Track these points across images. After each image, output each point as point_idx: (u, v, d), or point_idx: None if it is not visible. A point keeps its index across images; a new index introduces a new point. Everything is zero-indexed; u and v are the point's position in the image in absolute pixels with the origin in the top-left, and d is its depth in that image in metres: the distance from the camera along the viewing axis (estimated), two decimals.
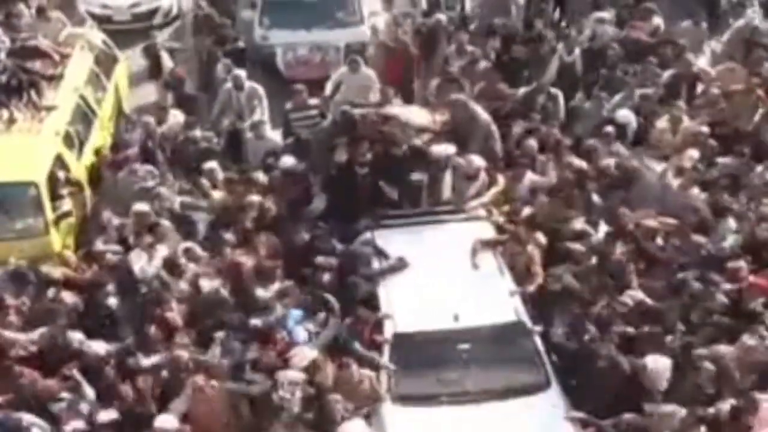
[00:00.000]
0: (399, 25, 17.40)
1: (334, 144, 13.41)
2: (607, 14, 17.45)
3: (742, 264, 11.56)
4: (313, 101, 15.46)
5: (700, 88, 15.55)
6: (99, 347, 10.87)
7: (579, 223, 12.82)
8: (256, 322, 11.19)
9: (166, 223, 12.85)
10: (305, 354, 10.59)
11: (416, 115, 13.85)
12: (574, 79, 15.89)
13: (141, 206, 12.99)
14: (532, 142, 14.11)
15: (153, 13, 20.08)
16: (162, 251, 12.32)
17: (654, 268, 12.22)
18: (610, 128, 14.27)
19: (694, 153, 13.63)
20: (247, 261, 12.05)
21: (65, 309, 11.48)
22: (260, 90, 15.88)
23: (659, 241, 12.50)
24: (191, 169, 14.22)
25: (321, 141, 13.78)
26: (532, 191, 13.39)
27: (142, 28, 19.33)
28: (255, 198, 13.14)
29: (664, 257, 12.26)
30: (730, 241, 12.13)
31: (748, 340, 10.64)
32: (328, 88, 15.95)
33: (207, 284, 11.79)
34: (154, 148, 14.36)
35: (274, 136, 15.13)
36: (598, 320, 11.18)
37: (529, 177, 13.56)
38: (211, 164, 13.90)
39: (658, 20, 17.20)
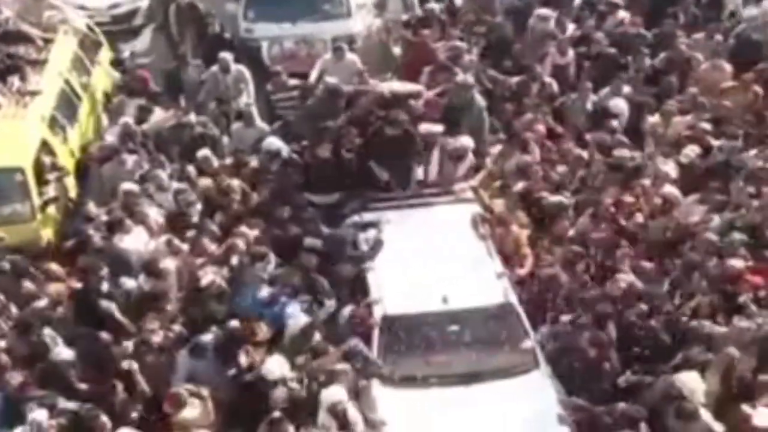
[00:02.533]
0: (390, 33, 17.48)
1: (322, 127, 13.38)
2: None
3: (740, 264, 11.51)
4: (293, 82, 15.43)
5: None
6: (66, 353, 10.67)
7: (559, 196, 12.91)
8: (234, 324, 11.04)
9: (147, 208, 12.83)
10: (275, 369, 10.41)
11: (400, 85, 13.97)
12: (567, 82, 15.80)
13: (129, 185, 13.00)
14: (523, 122, 14.24)
15: (132, 14, 19.80)
16: (142, 234, 12.38)
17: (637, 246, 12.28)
18: (615, 123, 14.29)
19: (694, 148, 13.62)
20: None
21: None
22: (247, 73, 15.81)
23: (639, 218, 12.60)
24: (181, 156, 14.16)
25: (307, 120, 13.79)
26: (520, 170, 13.40)
27: (121, 30, 19.22)
28: (235, 182, 13.10)
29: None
30: (734, 237, 12.04)
31: (739, 322, 10.71)
32: (313, 75, 15.79)
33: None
34: (135, 147, 14.18)
35: (263, 124, 14.96)
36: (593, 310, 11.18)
37: (517, 156, 13.60)
38: (205, 152, 13.82)
39: (623, 14, 17.13)
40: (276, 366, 10.38)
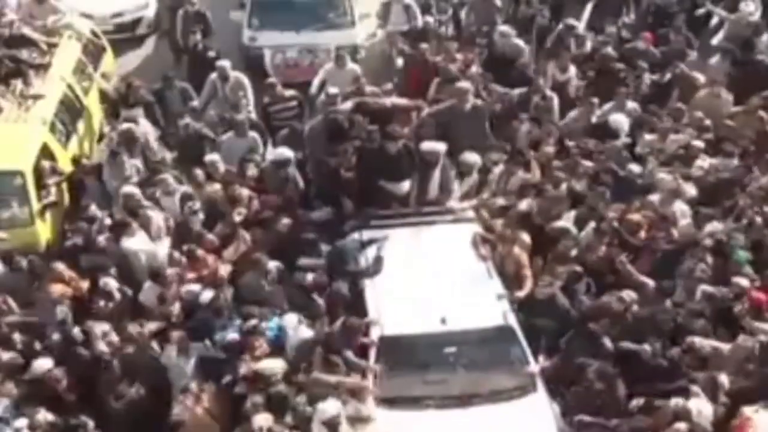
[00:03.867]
0: (393, 45, 17.48)
1: (331, 150, 13.45)
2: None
3: (745, 282, 11.54)
4: (290, 93, 15.38)
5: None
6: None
7: (563, 221, 12.83)
8: (233, 336, 11.10)
9: (150, 212, 12.82)
10: (272, 367, 10.47)
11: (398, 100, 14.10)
12: (566, 99, 15.70)
13: (129, 188, 13.04)
14: (524, 136, 14.33)
15: (137, 23, 19.72)
16: (143, 238, 12.44)
17: (637, 262, 12.27)
18: (619, 143, 14.27)
19: (703, 164, 13.67)
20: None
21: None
22: (245, 81, 15.74)
23: (642, 235, 12.57)
24: (188, 160, 14.13)
25: (314, 141, 13.86)
26: (522, 188, 13.37)
27: (125, 38, 19.18)
28: (245, 191, 13.08)
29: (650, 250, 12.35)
30: (739, 256, 12.06)
31: (744, 341, 10.76)
32: (314, 85, 15.79)
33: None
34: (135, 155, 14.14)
35: (254, 134, 14.64)
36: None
37: (520, 175, 13.57)
38: (213, 156, 13.77)
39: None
40: (275, 365, 10.45)
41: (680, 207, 12.85)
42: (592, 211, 12.90)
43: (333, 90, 14.51)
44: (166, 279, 11.90)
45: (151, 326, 11.33)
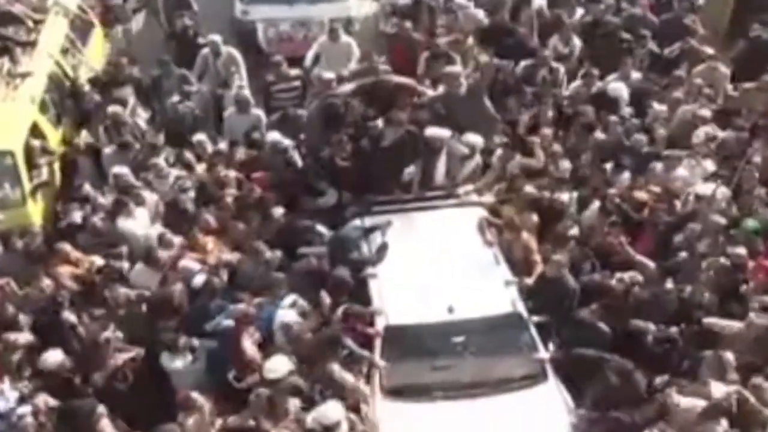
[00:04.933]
0: (386, 17, 17.20)
1: (328, 138, 13.08)
2: None
3: (742, 251, 11.42)
4: (295, 72, 15.04)
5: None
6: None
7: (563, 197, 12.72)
8: (227, 322, 10.70)
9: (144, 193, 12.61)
10: (278, 367, 10.00)
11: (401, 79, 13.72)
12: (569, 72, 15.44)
13: (119, 168, 12.84)
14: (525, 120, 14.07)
15: None
16: (143, 214, 12.30)
17: (639, 241, 12.19)
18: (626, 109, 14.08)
19: (707, 130, 13.62)
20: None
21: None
22: (238, 56, 15.43)
23: (646, 213, 12.50)
24: (178, 141, 13.87)
25: (310, 128, 13.50)
26: (524, 172, 13.16)
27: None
28: (232, 173, 12.81)
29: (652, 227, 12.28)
30: (749, 223, 11.95)
31: (756, 318, 10.63)
32: (308, 59, 15.45)
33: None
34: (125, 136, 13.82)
35: (257, 111, 14.50)
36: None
37: (518, 159, 13.35)
38: (201, 136, 13.53)
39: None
40: (278, 365, 10.03)
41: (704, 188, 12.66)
42: (595, 191, 12.74)
43: (328, 75, 14.04)
44: (158, 262, 11.61)
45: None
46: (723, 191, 12.44)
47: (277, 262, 11.65)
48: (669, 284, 11.30)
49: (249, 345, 10.43)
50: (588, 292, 11.22)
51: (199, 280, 11.26)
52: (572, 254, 11.77)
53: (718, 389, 9.78)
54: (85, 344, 10.61)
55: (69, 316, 10.79)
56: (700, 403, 9.62)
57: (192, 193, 12.62)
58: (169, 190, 12.77)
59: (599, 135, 13.75)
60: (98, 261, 11.70)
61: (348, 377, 10.20)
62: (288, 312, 10.83)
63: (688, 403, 9.69)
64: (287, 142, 13.31)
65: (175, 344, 10.42)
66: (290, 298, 10.99)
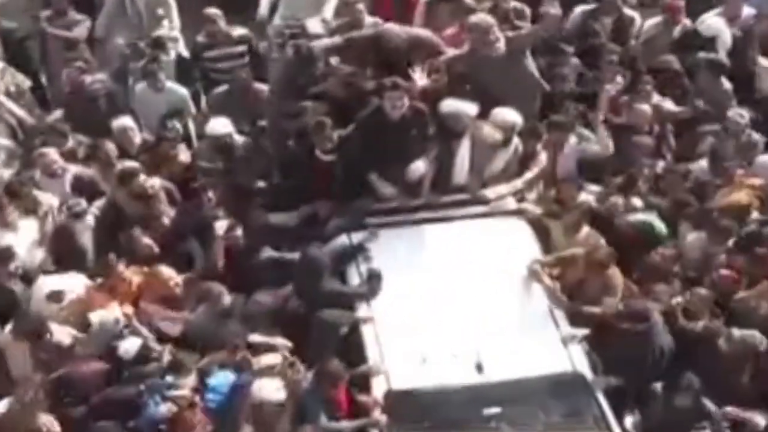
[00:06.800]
0: None
1: (298, 109, 10.20)
2: None
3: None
4: (238, 31, 12.14)
5: None
6: None
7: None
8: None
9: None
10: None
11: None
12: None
13: None
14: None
15: None
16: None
17: None
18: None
19: None
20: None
21: None
22: None
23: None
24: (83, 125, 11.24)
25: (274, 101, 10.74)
26: (580, 166, 10.70)
27: None
28: (156, 181, 10.15)
29: None
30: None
31: None
32: (262, 5, 12.67)
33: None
34: None
35: (177, 87, 11.63)
36: None
37: (571, 146, 10.69)
38: (124, 120, 10.83)
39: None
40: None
41: None
42: (678, 206, 10.25)
43: (292, 20, 11.51)
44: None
45: None
46: None
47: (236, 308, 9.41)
48: None
49: None
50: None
51: (130, 346, 8.87)
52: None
53: None
54: None
55: None
56: None
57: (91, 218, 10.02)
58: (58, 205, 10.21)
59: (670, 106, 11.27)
60: None
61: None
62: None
63: None
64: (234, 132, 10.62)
65: None
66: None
